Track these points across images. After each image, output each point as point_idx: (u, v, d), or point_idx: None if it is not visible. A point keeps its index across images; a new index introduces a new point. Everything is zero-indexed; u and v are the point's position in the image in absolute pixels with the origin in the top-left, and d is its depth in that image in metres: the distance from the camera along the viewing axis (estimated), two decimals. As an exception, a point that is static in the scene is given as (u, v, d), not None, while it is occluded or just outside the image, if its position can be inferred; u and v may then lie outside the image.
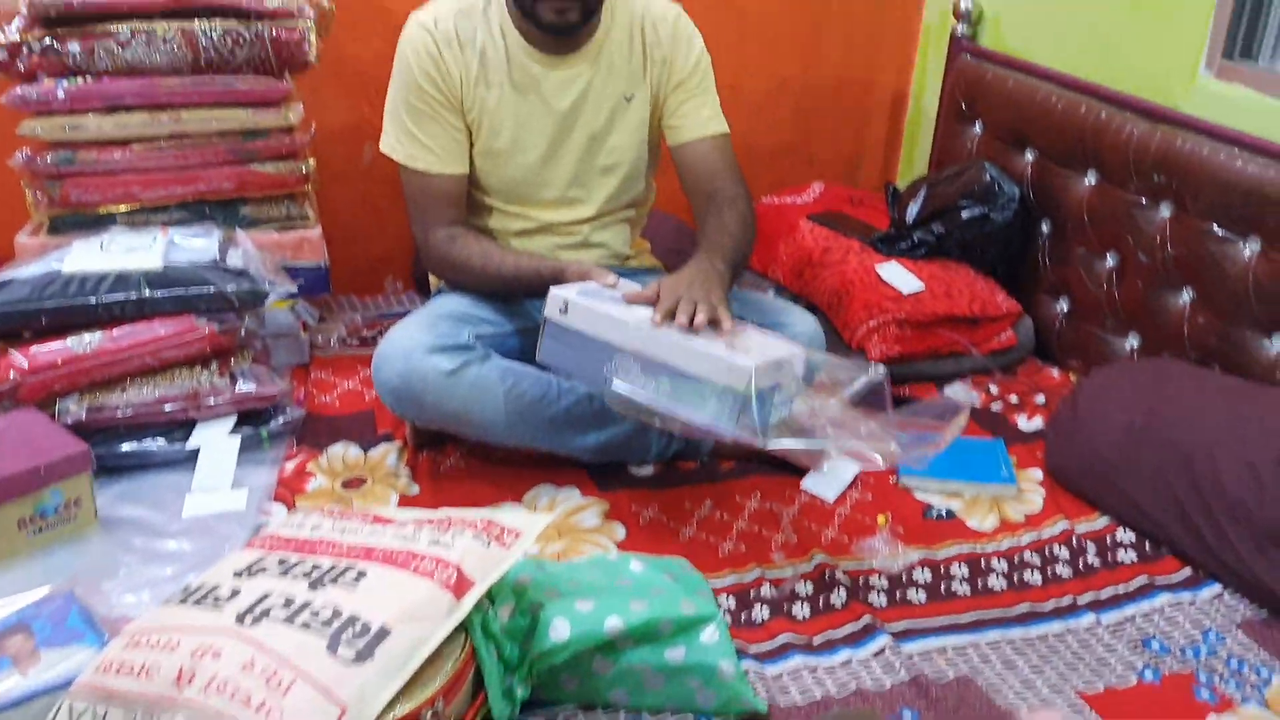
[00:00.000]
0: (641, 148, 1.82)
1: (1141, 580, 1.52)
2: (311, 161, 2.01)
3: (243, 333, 1.76)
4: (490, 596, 1.20)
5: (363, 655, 1.04)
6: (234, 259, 1.78)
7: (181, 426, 1.72)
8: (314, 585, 1.12)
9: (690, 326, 1.41)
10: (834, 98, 2.69)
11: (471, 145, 1.76)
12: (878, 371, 1.42)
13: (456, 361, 1.61)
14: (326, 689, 1.00)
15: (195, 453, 1.69)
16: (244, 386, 1.74)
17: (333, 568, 1.16)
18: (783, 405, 1.39)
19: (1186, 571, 1.54)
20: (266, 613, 1.08)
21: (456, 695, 1.13)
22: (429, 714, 1.09)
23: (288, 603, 1.10)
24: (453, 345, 1.63)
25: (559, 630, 1.22)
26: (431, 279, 1.93)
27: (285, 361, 1.99)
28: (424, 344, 1.62)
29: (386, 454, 1.77)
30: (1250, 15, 1.83)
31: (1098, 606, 1.47)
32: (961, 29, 2.44)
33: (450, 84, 1.70)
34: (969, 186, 2.20)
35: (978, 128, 2.35)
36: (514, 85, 1.72)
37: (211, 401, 1.72)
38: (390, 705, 1.04)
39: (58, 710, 1.05)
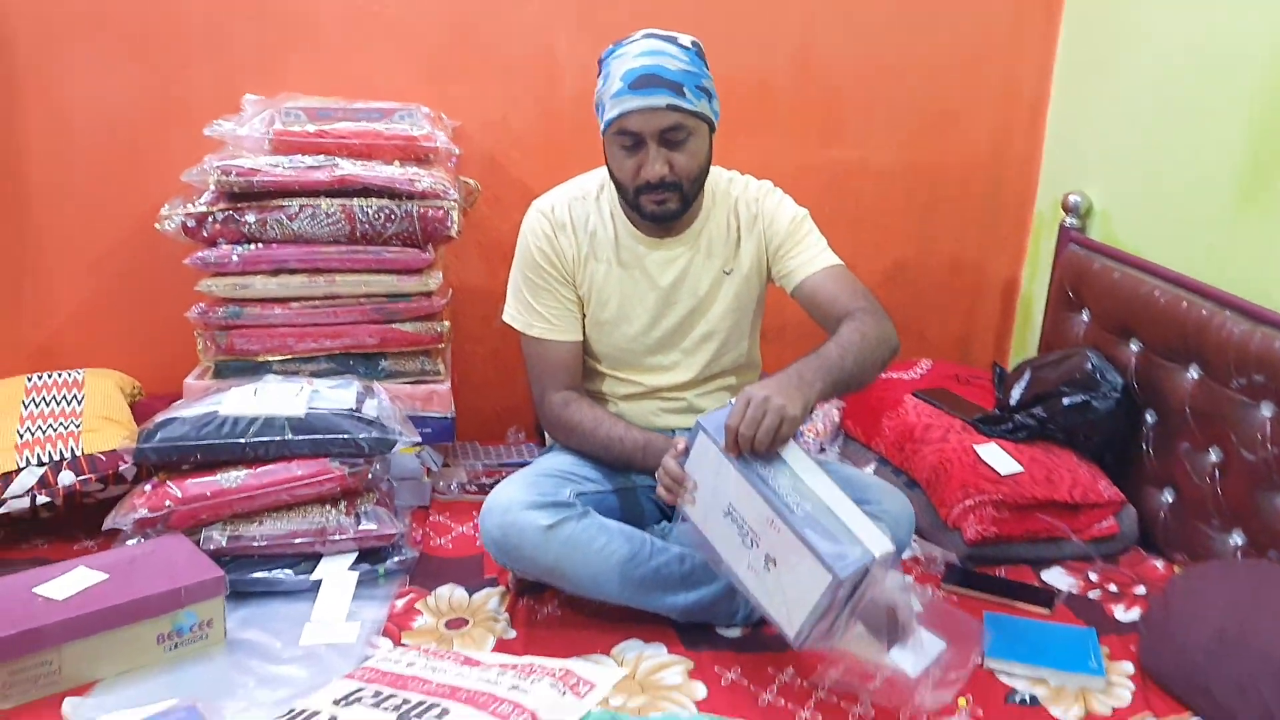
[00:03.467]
0: (738, 314, 1.95)
1: (1230, 789, 1.47)
2: (447, 323, 2.22)
3: (370, 475, 1.94)
4: (564, 745, 1.28)
5: (438, 790, 1.13)
6: (369, 409, 1.97)
7: (307, 559, 1.88)
8: (401, 718, 1.23)
9: (753, 437, 1.47)
10: (947, 279, 2.79)
11: (584, 316, 1.93)
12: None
13: (554, 518, 1.73)
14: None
15: (318, 584, 1.84)
16: (366, 525, 1.90)
17: (420, 703, 1.26)
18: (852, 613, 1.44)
19: (1279, 784, 1.49)
20: (357, 741, 1.19)
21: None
22: None
23: (376, 734, 1.21)
24: (552, 502, 1.75)
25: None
26: (549, 436, 2.08)
27: (408, 503, 2.15)
28: (524, 500, 1.74)
29: (489, 598, 1.88)
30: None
31: (1182, 815, 1.44)
32: (1071, 221, 2.52)
33: (563, 261, 1.89)
34: (1072, 374, 2.24)
35: (1085, 316, 2.40)
36: (620, 263, 1.89)
37: (336, 538, 1.88)
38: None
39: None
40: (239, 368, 2.14)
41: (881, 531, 1.51)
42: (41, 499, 1.90)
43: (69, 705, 1.55)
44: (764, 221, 1.93)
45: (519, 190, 2.46)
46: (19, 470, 1.90)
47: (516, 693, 1.28)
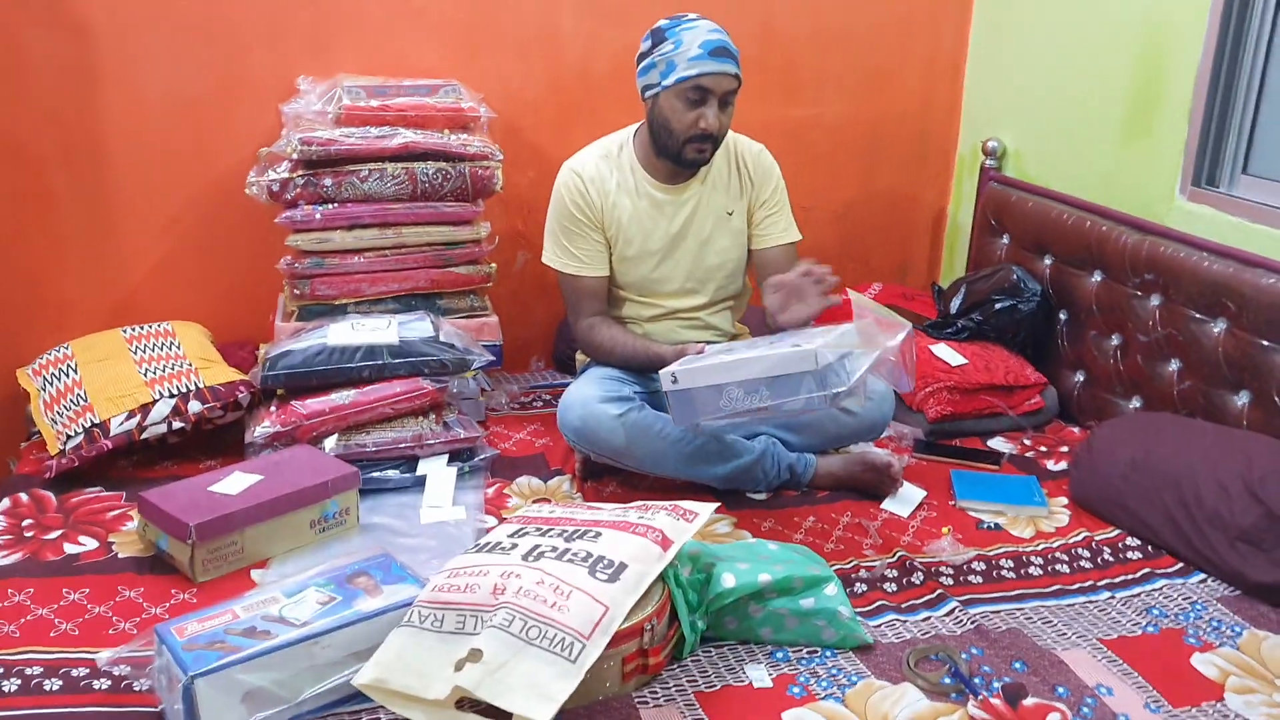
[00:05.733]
0: (739, 250, 2.40)
1: (1145, 571, 2.02)
2: (494, 265, 2.61)
3: (451, 391, 2.34)
4: (676, 559, 1.73)
5: (612, 578, 1.57)
6: (446, 336, 2.36)
7: (407, 460, 2.27)
8: (569, 539, 1.66)
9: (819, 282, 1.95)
10: (888, 215, 3.30)
11: (611, 253, 2.35)
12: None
13: (623, 409, 2.16)
14: (594, 596, 1.53)
15: (421, 479, 2.23)
16: (455, 431, 2.30)
17: (577, 530, 1.69)
18: (854, 367, 1.86)
19: (1179, 565, 2.03)
20: (542, 554, 1.62)
21: (662, 619, 1.65)
22: (649, 626, 1.61)
23: (554, 549, 1.63)
24: (618, 396, 2.19)
25: (727, 581, 1.73)
26: (579, 357, 2.50)
27: (469, 418, 2.55)
28: (598, 395, 2.18)
29: (561, 483, 2.31)
30: (1212, 155, 2.42)
31: (1112, 587, 1.97)
32: (989, 161, 3.05)
33: (593, 210, 2.31)
34: (1000, 285, 2.77)
35: (1005, 239, 2.93)
36: (640, 207, 2.31)
37: (431, 442, 2.28)
38: (630, 614, 1.56)
39: (409, 616, 1.57)
40: (319, 311, 2.49)
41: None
42: (176, 425, 2.24)
43: (256, 575, 1.93)
44: (760, 178, 2.37)
45: (530, 151, 2.85)
46: (155, 402, 2.24)
47: (645, 518, 1.71)
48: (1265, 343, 2.17)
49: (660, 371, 2.00)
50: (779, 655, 1.73)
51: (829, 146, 3.17)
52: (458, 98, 2.53)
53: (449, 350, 2.32)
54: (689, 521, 1.74)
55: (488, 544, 1.70)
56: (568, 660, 1.45)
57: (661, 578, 1.67)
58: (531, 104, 2.86)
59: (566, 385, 2.36)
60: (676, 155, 2.24)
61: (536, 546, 1.65)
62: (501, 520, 2.08)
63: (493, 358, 2.40)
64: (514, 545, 1.67)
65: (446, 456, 2.29)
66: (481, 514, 2.17)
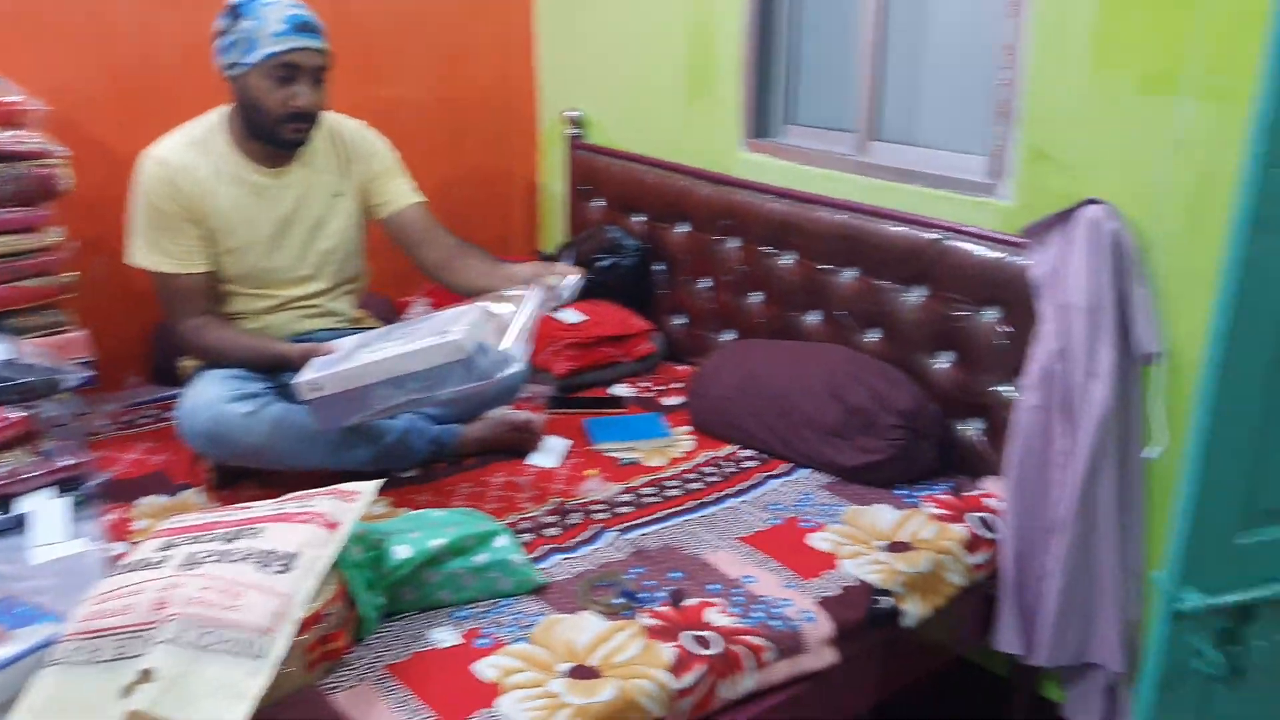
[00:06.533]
0: (353, 232, 2.37)
1: (761, 476, 2.28)
2: (75, 274, 2.35)
3: (42, 418, 2.08)
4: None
5: (287, 569, 1.51)
6: (28, 357, 2.10)
7: (3, 500, 2.00)
8: (229, 541, 1.57)
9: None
10: (482, 190, 3.39)
11: (213, 247, 2.21)
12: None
13: (253, 406, 2.06)
14: (270, 589, 1.46)
15: (20, 519, 1.97)
16: (55, 461, 2.06)
17: (236, 531, 1.60)
18: (505, 342, 1.91)
19: (787, 465, 2.32)
20: (201, 561, 1.51)
21: (339, 603, 1.61)
22: (328, 613, 1.57)
23: (214, 554, 1.53)
24: (246, 394, 2.08)
25: (401, 553, 1.73)
26: (184, 364, 2.33)
27: (70, 443, 2.28)
28: (224, 395, 2.06)
29: (191, 496, 2.15)
30: (761, 110, 2.76)
31: (738, 494, 2.21)
32: (574, 131, 3.24)
33: (185, 201, 2.16)
34: (601, 245, 2.96)
35: (600, 202, 3.14)
36: (242, 193, 2.20)
37: (28, 476, 2.02)
38: (309, 601, 1.51)
39: (56, 653, 1.40)
40: None
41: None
42: None
43: None
44: (364, 154, 2.35)
45: (96, 148, 2.59)
46: None
47: (305, 507, 1.64)
48: (824, 267, 2.53)
49: (297, 382, 1.94)
50: (461, 614, 1.76)
51: (416, 127, 3.18)
52: (1, 91, 2.24)
53: (34, 372, 2.07)
54: (352, 501, 1.71)
55: (134, 563, 1.56)
56: (253, 658, 1.38)
57: (334, 563, 1.63)
58: (89, 97, 2.59)
59: (174, 397, 2.19)
60: (272, 136, 2.16)
61: (193, 554, 1.54)
62: (134, 544, 1.90)
63: (87, 375, 2.16)
64: (165, 558, 1.54)
65: (53, 488, 2.04)
66: (105, 543, 1.97)
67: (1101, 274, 1.93)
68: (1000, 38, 2.14)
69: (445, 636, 1.70)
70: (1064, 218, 2.00)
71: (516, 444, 2.37)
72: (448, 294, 2.33)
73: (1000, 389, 2.20)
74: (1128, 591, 2.04)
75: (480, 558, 1.80)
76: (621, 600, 1.79)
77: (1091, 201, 1.97)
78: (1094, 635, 2.05)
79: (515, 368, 1.87)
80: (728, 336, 2.82)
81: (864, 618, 1.86)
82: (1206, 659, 1.56)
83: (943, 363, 2.32)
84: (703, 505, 2.16)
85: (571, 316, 2.79)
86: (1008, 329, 2.16)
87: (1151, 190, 1.93)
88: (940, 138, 2.43)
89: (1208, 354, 1.43)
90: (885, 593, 1.91)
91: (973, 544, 2.07)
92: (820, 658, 1.80)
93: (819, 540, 2.03)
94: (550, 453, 2.36)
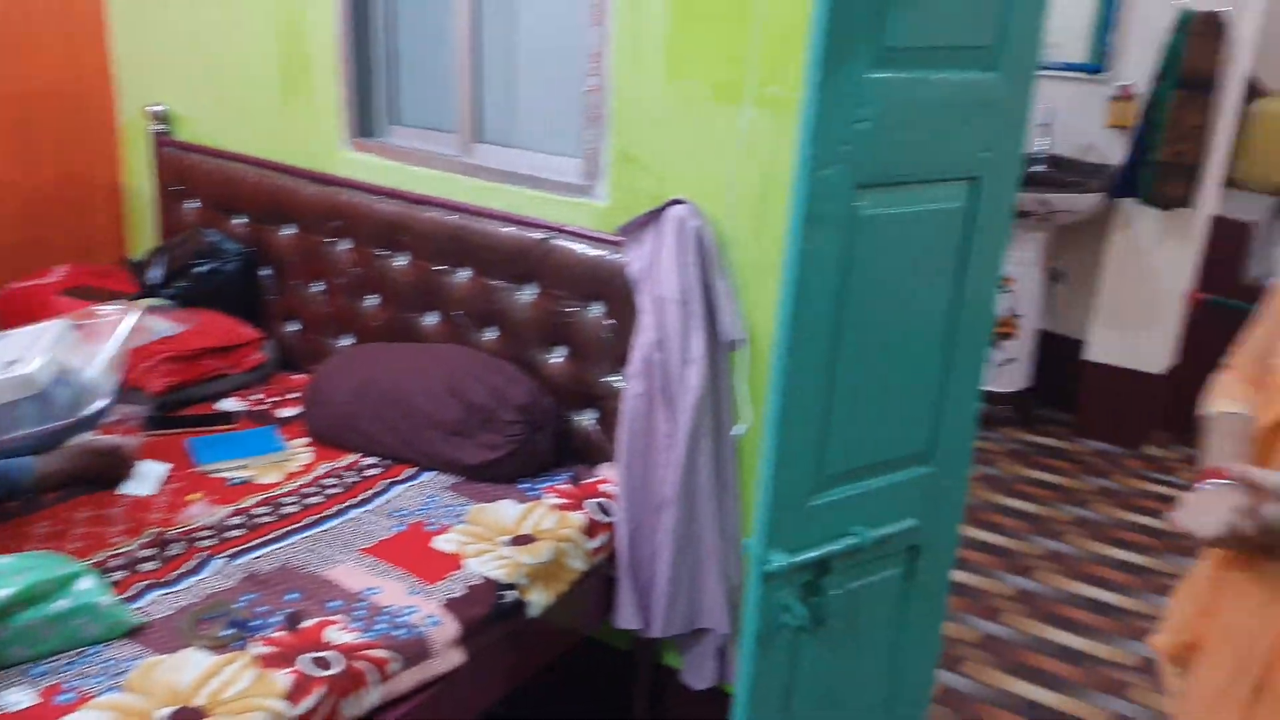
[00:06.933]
0: None
1: (384, 483, 2.24)
2: None
3: None
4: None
5: None
6: None
7: None
8: None
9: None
10: (59, 193, 3.04)
11: None
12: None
13: None
14: None
15: None
16: None
17: None
18: (91, 373, 1.76)
19: (411, 469, 2.29)
20: None
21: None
22: None
23: None
24: None
25: (-44, 612, 1.51)
26: None
27: None
28: None
29: None
30: (364, 110, 2.70)
31: (361, 504, 2.15)
32: (159, 127, 2.98)
33: None
34: (197, 249, 2.76)
35: (194, 203, 2.92)
36: None
37: None
38: None
39: None
40: None
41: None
42: None
43: None
44: None
45: None
46: None
47: None
48: (438, 268, 2.52)
49: None
50: (39, 670, 1.58)
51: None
52: None
53: None
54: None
55: None
56: None
57: None
58: None
59: None
60: None
61: None
62: None
63: None
64: None
65: None
66: None
67: (689, 268, 2.08)
68: (588, 45, 2.24)
69: (20, 698, 1.51)
70: (654, 216, 2.14)
71: (104, 472, 2.15)
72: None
73: (610, 379, 2.31)
74: (728, 559, 2.22)
75: (59, 604, 1.62)
76: (231, 631, 1.68)
77: (676, 201, 2.11)
78: (702, 603, 2.22)
79: (101, 402, 1.70)
80: (345, 341, 2.73)
81: (489, 614, 1.88)
82: (794, 613, 1.73)
83: (556, 357, 2.39)
84: (323, 520, 2.08)
85: (164, 327, 2.57)
86: (612, 322, 2.27)
87: (724, 191, 2.11)
88: (539, 140, 2.50)
89: (776, 337, 1.58)
90: (510, 587, 1.94)
91: (591, 529, 2.16)
92: (448, 660, 1.80)
93: (444, 542, 2.03)
94: (145, 479, 2.17)
